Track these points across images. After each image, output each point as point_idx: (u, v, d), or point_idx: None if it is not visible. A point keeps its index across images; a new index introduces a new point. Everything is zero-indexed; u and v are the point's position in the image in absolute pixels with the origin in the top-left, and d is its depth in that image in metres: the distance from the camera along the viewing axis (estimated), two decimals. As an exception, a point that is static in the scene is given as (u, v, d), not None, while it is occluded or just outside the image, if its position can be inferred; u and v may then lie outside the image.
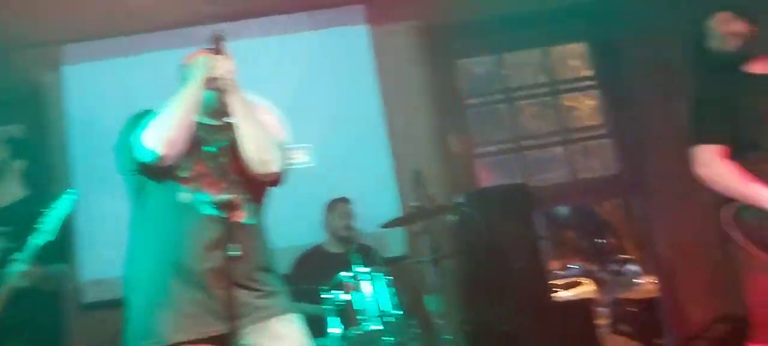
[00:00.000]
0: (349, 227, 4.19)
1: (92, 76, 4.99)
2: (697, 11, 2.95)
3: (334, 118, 4.90)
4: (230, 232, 2.06)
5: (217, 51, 2.22)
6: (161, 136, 2.08)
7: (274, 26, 5.08)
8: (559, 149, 5.37)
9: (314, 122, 4.75)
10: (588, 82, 5.48)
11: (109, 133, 4.79)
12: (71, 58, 5.04)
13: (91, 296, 4.62)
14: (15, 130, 5.06)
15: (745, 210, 2.61)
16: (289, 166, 2.35)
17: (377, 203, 4.61)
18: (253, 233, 2.24)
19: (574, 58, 5.56)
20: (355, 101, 4.95)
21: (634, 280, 5.38)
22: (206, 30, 4.93)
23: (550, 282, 4.26)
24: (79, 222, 4.64)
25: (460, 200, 4.09)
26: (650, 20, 5.15)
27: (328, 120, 4.88)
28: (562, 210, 5.25)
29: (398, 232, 4.58)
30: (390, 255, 4.52)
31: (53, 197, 2.96)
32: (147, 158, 2.10)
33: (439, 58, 5.23)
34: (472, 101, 5.36)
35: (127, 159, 2.20)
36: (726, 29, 2.80)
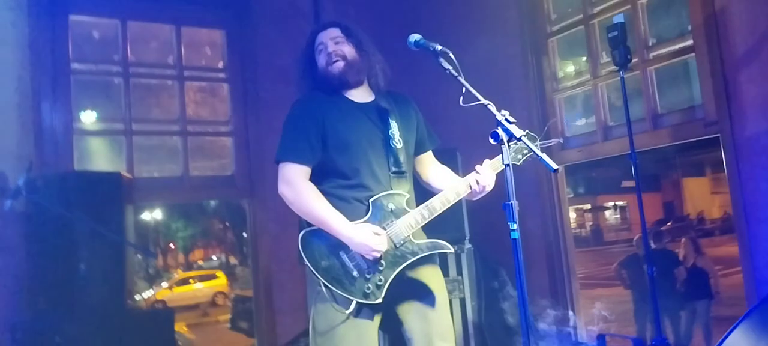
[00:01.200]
0: None
1: None
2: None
3: None
4: None
5: None
6: None
7: None
8: (176, 139, 4.85)
9: None
10: (219, 74, 5.10)
11: None
12: None
13: None
14: None
15: (313, 234, 2.49)
16: None
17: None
18: None
19: (209, 45, 5.14)
20: None
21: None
22: None
23: (130, 286, 3.69)
24: None
25: (24, 181, 3.31)
26: (291, 23, 5.05)
27: None
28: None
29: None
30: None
31: None
32: None
33: (44, 9, 4.30)
34: (80, 68, 4.53)
35: None
36: (334, 48, 2.67)
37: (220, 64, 5.10)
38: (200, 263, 30.98)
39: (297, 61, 2.83)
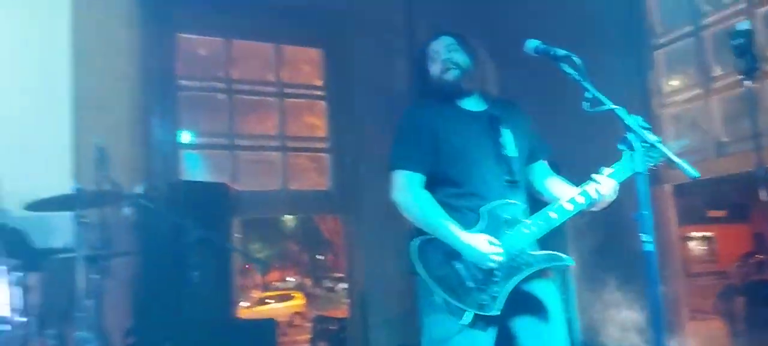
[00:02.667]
0: None
1: None
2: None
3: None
4: None
5: None
6: None
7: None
8: (275, 155, 4.98)
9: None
10: (318, 91, 5.22)
11: None
12: None
13: None
14: None
15: (427, 243, 2.44)
16: None
17: (44, 180, 3.70)
18: None
19: (307, 63, 5.28)
20: (36, 54, 4.02)
21: (343, 299, 5.28)
22: None
23: (236, 297, 3.75)
24: None
25: (142, 189, 3.45)
26: (388, 39, 5.11)
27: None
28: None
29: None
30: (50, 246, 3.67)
31: None
32: None
33: (154, 27, 4.53)
34: (187, 84, 4.72)
35: None
36: (448, 56, 2.65)
37: (319, 82, 5.22)
38: (276, 283, 31.49)
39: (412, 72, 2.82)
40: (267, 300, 21.24)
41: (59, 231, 3.74)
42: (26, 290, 2.78)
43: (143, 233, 3.69)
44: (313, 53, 5.25)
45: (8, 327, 2.62)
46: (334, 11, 5.07)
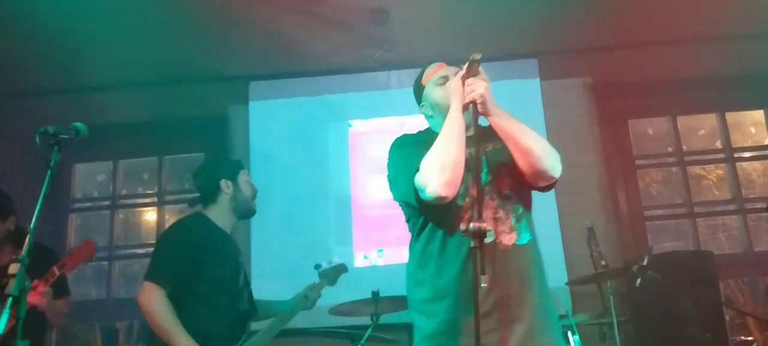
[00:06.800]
0: None
1: (274, 112, 5.29)
2: None
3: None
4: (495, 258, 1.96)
5: (473, 72, 2.07)
6: (440, 178, 2.01)
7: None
8: (732, 218, 5.16)
9: (481, 174, 4.83)
10: (765, 151, 5.29)
11: (286, 168, 5.10)
12: (256, 94, 5.35)
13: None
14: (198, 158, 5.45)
15: None
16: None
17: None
18: (526, 254, 2.12)
19: (752, 125, 5.40)
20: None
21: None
22: (380, 76, 5.27)
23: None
24: (253, 251, 4.88)
25: (644, 262, 3.97)
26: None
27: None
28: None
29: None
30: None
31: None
32: (428, 199, 2.04)
33: (610, 117, 5.19)
34: (643, 162, 5.26)
35: (405, 192, 2.14)
36: None
37: (766, 141, 5.29)
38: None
39: None
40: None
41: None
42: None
43: (649, 300, 4.19)
44: (758, 115, 5.35)
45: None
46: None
